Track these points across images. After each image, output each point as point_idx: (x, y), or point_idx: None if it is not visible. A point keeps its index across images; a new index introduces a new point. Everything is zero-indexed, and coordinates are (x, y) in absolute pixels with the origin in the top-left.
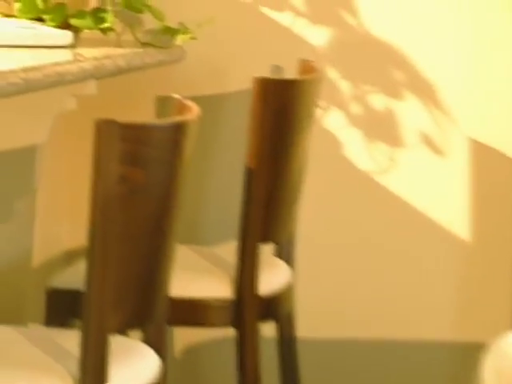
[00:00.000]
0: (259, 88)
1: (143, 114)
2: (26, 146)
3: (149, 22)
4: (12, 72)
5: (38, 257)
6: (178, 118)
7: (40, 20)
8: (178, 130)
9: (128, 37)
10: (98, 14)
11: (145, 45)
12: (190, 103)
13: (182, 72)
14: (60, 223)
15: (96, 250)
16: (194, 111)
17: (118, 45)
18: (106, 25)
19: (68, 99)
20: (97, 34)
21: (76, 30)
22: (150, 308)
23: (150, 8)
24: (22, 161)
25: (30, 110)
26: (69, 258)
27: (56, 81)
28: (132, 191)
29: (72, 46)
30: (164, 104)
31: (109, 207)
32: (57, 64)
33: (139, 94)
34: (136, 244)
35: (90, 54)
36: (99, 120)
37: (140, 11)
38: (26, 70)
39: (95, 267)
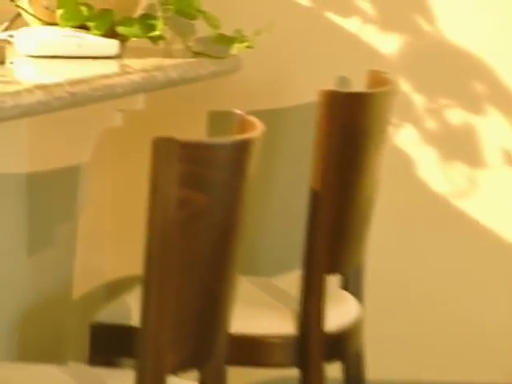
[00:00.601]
0: (326, 102)
1: (194, 131)
2: (67, 167)
3: (201, 29)
4: (57, 85)
5: (79, 288)
6: (242, 136)
7: (84, 28)
8: (243, 148)
9: (178, 46)
10: (146, 22)
11: (197, 54)
12: (253, 119)
13: (237, 84)
14: (102, 252)
15: (152, 282)
16: (259, 128)
17: (169, 55)
18: (155, 33)
19: (114, 115)
20: (144, 42)
21: (123, 39)
22: (210, 346)
23: (204, 14)
24: (64, 182)
25: (72, 127)
26: (111, 289)
27: (104, 94)
28: (192, 217)
29: (118, 57)
30: (217, 120)
31: (167, 234)
32: (105, 76)
33: (190, 108)
34: (196, 275)
35: (139, 65)
36: (157, 138)
37: (193, 18)
38: (72, 83)
39: (151, 301)
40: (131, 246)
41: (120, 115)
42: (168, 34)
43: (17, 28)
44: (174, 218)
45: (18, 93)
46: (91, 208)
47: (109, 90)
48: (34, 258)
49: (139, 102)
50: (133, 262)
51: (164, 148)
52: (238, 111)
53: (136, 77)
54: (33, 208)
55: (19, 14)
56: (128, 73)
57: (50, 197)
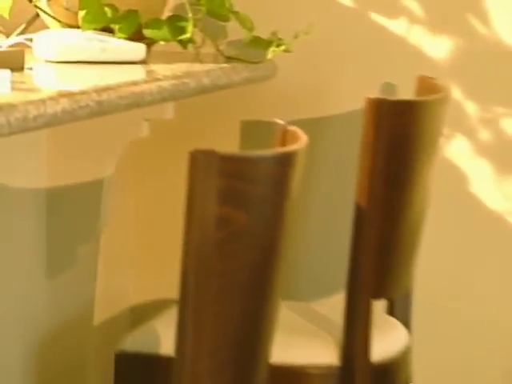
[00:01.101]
0: (372, 110)
1: (226, 142)
2: (89, 181)
3: (234, 31)
4: (83, 93)
5: (101, 313)
6: (285, 148)
7: (108, 31)
8: (286, 162)
9: (209, 50)
10: (175, 24)
11: (230, 59)
12: (296, 129)
13: (273, 91)
14: (126, 273)
15: (189, 307)
16: (302, 139)
17: (199, 60)
18: (185, 36)
19: (140, 124)
20: (172, 46)
21: (149, 43)
22: (250, 376)
23: (236, 15)
24: (85, 198)
25: (94, 139)
26: (136, 315)
27: (132, 103)
28: (232, 236)
29: (145, 62)
30: (252, 130)
31: (204, 256)
32: (133, 83)
33: (221, 117)
34: (235, 299)
35: (168, 71)
36: (196, 151)
37: (225, 19)
38: (98, 90)
39: (188, 327)
40: (158, 268)
41: (147, 125)
42: (198, 37)
43: (35, 31)
44: (213, 238)
45: (42, 101)
46: (114, 226)
47: (137, 97)
48: (54, 281)
49: (168, 110)
50: (160, 285)
51: (202, 161)
52: (279, 121)
53: (165, 84)
54: (52, 226)
55: (37, 16)
56: (157, 79)
57: (71, 214)
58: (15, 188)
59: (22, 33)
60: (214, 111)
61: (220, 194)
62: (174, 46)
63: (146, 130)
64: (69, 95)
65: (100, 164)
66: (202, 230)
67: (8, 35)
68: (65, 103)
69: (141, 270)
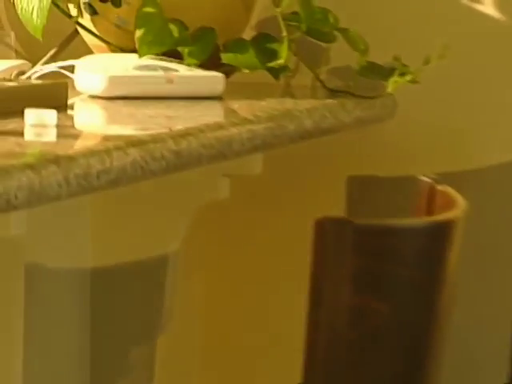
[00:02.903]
0: None
1: (327, 204)
2: (149, 259)
3: (339, 55)
4: (157, 140)
5: None
6: (440, 217)
7: (174, 55)
8: (443, 234)
9: (304, 80)
10: (264, 45)
11: (335, 93)
12: (448, 190)
13: (393, 136)
14: (189, 381)
15: None
16: (459, 203)
17: (291, 93)
18: (278, 62)
19: (218, 182)
20: (253, 76)
21: (229, 71)
22: None
23: (345, 34)
24: (143, 282)
25: (157, 202)
26: None
27: (217, 153)
28: (370, 334)
29: (221, 97)
30: (363, 188)
31: (332, 358)
32: (218, 126)
33: (322, 171)
34: None
35: (258, 110)
36: (324, 219)
37: (329, 39)
38: (175, 136)
39: None
40: (234, 376)
41: (227, 183)
42: (292, 63)
43: (73, 56)
44: (344, 336)
45: (106, 152)
46: (179, 321)
47: (223, 146)
48: None
49: (255, 163)
50: None
51: (332, 233)
52: (425, 177)
53: (258, 127)
54: (97, 322)
55: (75, 34)
56: (247, 121)
57: (121, 305)
58: (50, 269)
59: (53, 58)
60: (312, 163)
61: (355, 278)
62: (257, 76)
63: (226, 189)
64: (139, 143)
65: (163, 236)
66: (332, 328)
67: (33, 61)
68: (135, 154)
69: (211, 379)
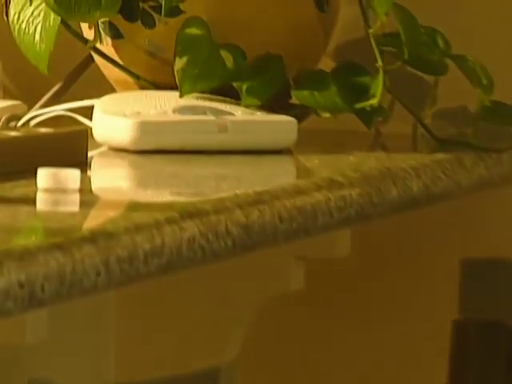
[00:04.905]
0: None
1: (434, 295)
2: (196, 371)
3: (449, 92)
4: (218, 211)
5: None
6: None
7: (228, 93)
8: None
9: (399, 126)
10: (351, 79)
11: (446, 145)
12: None
13: None
14: None
15: None
16: None
17: (384, 145)
18: (371, 102)
19: (291, 268)
20: (327, 121)
21: (301, 114)
22: None
23: (462, 62)
24: None
25: (206, 297)
26: None
27: (298, 228)
28: None
29: (289, 151)
30: (480, 274)
31: None
32: (298, 191)
33: (427, 250)
34: None
35: (345, 168)
36: (465, 319)
37: (438, 71)
38: (242, 204)
39: None
40: None
41: (301, 269)
42: (385, 102)
43: (84, 94)
44: None
45: (157, 226)
46: None
47: (307, 218)
48: None
49: (342, 242)
50: None
51: (478, 340)
52: None
53: (352, 192)
54: None
55: (87, 64)
56: (337, 184)
57: None
58: None
59: (56, 97)
60: (416, 240)
61: None
62: (332, 120)
63: (300, 277)
64: (198, 214)
65: (214, 341)
66: None
67: (29, 102)
68: (193, 229)
69: None
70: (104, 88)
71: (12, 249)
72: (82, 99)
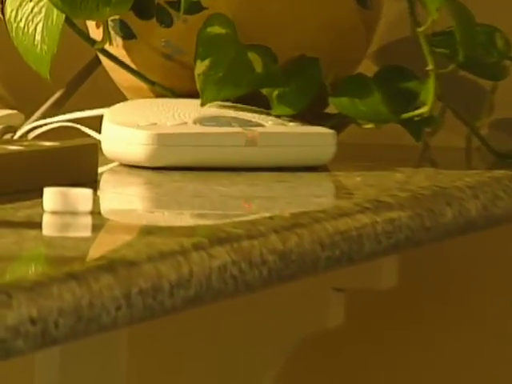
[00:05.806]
0: None
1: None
2: None
3: (507, 99)
4: (251, 236)
5: None
6: None
7: (257, 101)
8: None
9: (451, 138)
10: (397, 85)
11: (508, 159)
12: None
13: None
14: None
15: None
16: None
17: (434, 161)
18: (421, 111)
19: (330, 301)
20: (366, 132)
21: (340, 125)
22: None
23: None
24: None
25: (234, 334)
26: None
27: (342, 256)
28: None
29: (325, 166)
30: None
31: None
32: (340, 213)
33: (482, 279)
34: None
35: (392, 188)
36: None
37: (496, 75)
38: (278, 228)
39: None
40: None
41: (341, 302)
42: (435, 111)
43: (88, 102)
44: None
45: (183, 253)
46: None
47: (352, 244)
48: None
49: (389, 270)
50: None
51: None
52: None
53: (402, 215)
54: None
55: (92, 67)
56: (384, 205)
57: None
58: None
59: (57, 106)
60: (470, 267)
61: None
62: (371, 132)
63: (340, 311)
64: (228, 240)
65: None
66: None
67: (26, 111)
68: (224, 257)
69: None
70: (112, 96)
71: (22, 279)
72: (84, 109)
